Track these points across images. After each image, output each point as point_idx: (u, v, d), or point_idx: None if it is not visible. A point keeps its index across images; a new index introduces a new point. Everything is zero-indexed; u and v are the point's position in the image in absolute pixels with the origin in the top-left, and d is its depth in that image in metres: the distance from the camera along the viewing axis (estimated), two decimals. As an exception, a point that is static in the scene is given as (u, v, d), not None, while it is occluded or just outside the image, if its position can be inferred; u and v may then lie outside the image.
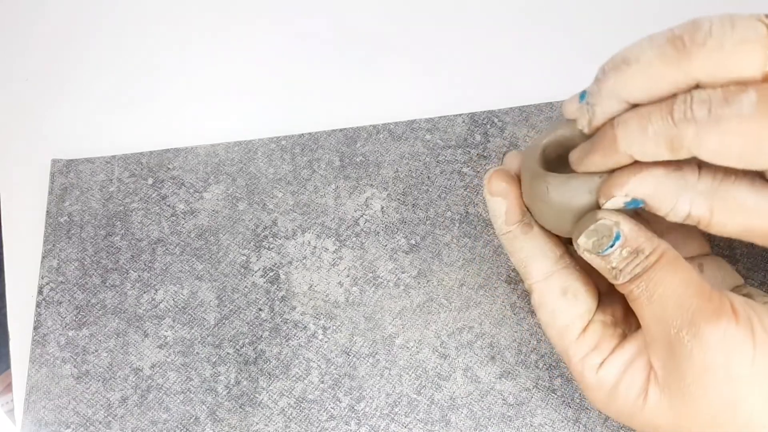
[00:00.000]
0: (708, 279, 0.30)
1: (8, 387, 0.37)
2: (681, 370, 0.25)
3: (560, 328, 0.28)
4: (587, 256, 0.27)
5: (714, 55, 0.22)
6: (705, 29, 0.23)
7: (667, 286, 0.25)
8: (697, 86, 0.23)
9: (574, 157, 0.27)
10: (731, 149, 0.23)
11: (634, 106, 0.25)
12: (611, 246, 0.26)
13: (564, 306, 0.28)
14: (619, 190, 0.25)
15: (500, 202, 0.29)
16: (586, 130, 0.27)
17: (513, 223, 0.29)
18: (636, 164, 0.25)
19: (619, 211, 0.26)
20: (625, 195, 0.25)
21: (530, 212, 0.29)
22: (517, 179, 0.29)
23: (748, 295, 0.27)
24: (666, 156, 0.24)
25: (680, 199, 0.25)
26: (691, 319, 0.24)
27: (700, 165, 0.25)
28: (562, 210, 0.27)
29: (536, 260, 0.28)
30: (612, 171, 0.26)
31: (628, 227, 0.26)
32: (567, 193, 0.27)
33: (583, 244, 0.26)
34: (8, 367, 0.37)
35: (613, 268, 0.26)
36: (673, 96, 0.23)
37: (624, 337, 0.28)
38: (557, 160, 0.29)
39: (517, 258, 0.29)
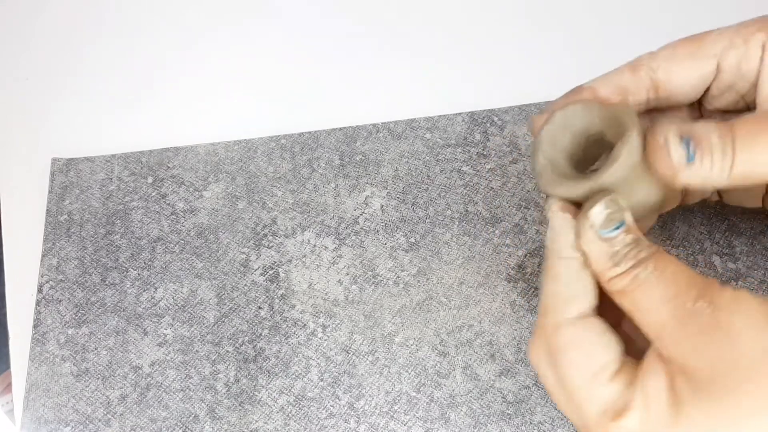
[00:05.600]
0: None
1: (8, 387, 0.37)
2: (703, 340, 0.24)
3: (595, 369, 0.26)
4: (590, 237, 0.26)
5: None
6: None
7: (676, 264, 0.26)
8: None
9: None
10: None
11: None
12: (617, 228, 0.26)
13: (604, 343, 0.26)
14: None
15: (570, 220, 0.27)
16: None
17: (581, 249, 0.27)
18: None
19: None
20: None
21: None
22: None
23: None
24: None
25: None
26: (703, 291, 0.25)
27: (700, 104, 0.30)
28: None
29: (582, 297, 0.27)
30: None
31: (630, 219, 0.26)
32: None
33: (597, 213, 0.26)
34: (8, 367, 0.37)
35: (616, 253, 0.26)
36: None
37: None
38: (588, 144, 0.29)
39: (561, 289, 0.27)
